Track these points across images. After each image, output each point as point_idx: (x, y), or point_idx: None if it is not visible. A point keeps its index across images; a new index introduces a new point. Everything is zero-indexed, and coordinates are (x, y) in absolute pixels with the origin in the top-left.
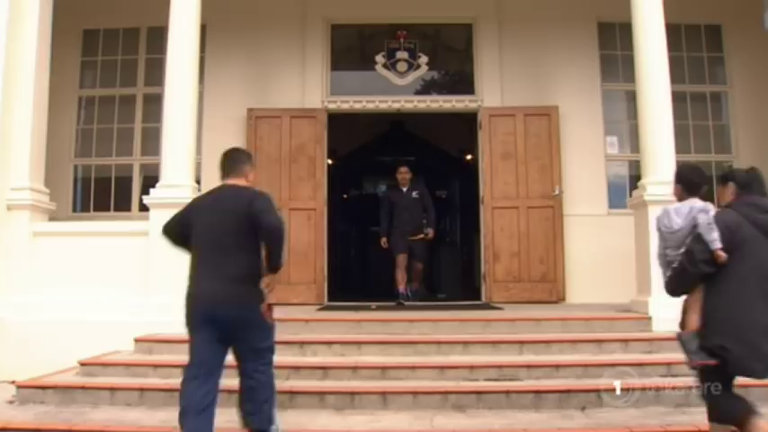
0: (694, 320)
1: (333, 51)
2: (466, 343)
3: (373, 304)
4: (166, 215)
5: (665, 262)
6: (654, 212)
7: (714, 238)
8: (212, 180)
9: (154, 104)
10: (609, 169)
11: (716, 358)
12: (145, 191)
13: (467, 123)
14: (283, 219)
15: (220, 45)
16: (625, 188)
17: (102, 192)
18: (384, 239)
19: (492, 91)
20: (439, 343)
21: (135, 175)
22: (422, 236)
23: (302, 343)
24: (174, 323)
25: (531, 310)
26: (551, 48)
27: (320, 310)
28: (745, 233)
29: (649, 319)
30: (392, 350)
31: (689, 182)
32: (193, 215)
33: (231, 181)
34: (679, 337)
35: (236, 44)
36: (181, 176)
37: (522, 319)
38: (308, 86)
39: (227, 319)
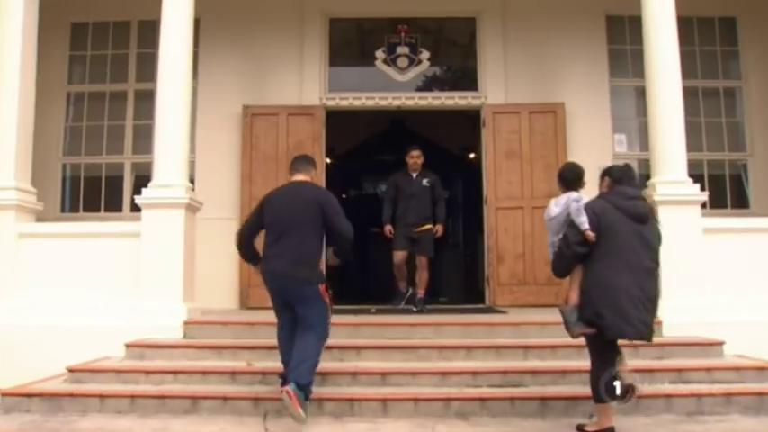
0: (574, 296)
1: (331, 46)
2: (469, 348)
3: (373, 308)
4: (159, 216)
5: (552, 250)
6: (665, 213)
7: (583, 221)
8: (207, 179)
9: (145, 101)
10: None
11: (594, 326)
12: (136, 191)
13: (470, 121)
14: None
15: (215, 40)
16: None
17: (92, 192)
18: (389, 227)
19: (496, 87)
20: (441, 348)
21: (126, 174)
22: (428, 226)
23: None
24: (167, 328)
25: (537, 313)
26: (557, 43)
27: None
28: (611, 217)
29: (660, 323)
30: (392, 355)
31: (565, 179)
32: (267, 206)
33: (300, 177)
34: (561, 311)
35: (231, 39)
36: (174, 176)
37: (527, 323)
38: (305, 83)
39: (291, 294)
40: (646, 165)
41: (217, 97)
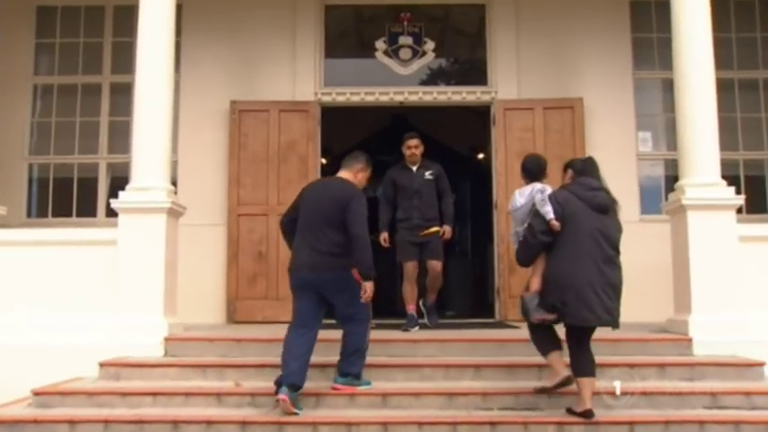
0: (536, 282)
1: (327, 36)
2: (478, 367)
3: (373, 322)
4: (137, 222)
5: (517, 239)
6: (694, 219)
7: (548, 211)
8: (191, 182)
9: (122, 95)
10: (641, 169)
11: (555, 312)
12: (112, 194)
13: (479, 118)
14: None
15: (199, 28)
16: (660, 191)
17: (63, 195)
18: (384, 236)
19: (507, 81)
20: (447, 366)
21: (101, 175)
22: (435, 229)
23: None
24: (146, 345)
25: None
26: (575, 31)
27: None
28: (574, 207)
29: (690, 340)
30: (394, 374)
31: (528, 171)
32: (301, 197)
33: (342, 173)
34: (522, 298)
35: (218, 28)
36: (154, 178)
37: None
38: (299, 76)
39: (317, 284)
40: (673, 165)
41: (201, 92)
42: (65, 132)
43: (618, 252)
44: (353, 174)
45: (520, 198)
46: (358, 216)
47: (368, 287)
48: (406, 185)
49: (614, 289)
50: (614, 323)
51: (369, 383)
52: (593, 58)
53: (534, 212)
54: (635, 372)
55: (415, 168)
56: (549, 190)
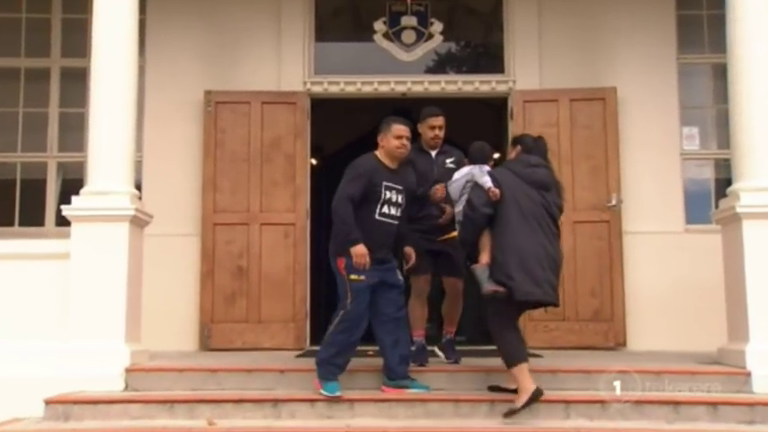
0: (486, 256)
1: (318, 16)
2: (493, 402)
3: (370, 349)
4: (95, 232)
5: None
6: (751, 229)
7: (486, 180)
8: (158, 186)
9: (75, 82)
10: (686, 171)
11: (504, 287)
12: (64, 199)
13: (494, 111)
14: (343, 193)
15: (168, 6)
16: (709, 196)
17: (3, 199)
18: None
19: (528, 69)
20: (457, 401)
21: (50, 177)
22: (454, 234)
23: (276, 401)
24: (104, 377)
25: (581, 358)
26: (608, 9)
27: (300, 356)
28: (510, 183)
29: (747, 374)
30: (395, 410)
31: (472, 156)
32: None
33: None
34: (473, 269)
35: (190, 4)
36: (115, 180)
37: (568, 370)
38: (285, 63)
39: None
40: (726, 167)
41: (171, 80)
42: (5, 125)
43: (558, 229)
44: (379, 144)
45: (457, 174)
46: (343, 181)
47: (354, 253)
48: (425, 171)
49: (557, 264)
50: (557, 300)
51: (333, 390)
52: (630, 41)
53: (473, 187)
54: (681, 411)
55: (434, 153)
56: (486, 168)
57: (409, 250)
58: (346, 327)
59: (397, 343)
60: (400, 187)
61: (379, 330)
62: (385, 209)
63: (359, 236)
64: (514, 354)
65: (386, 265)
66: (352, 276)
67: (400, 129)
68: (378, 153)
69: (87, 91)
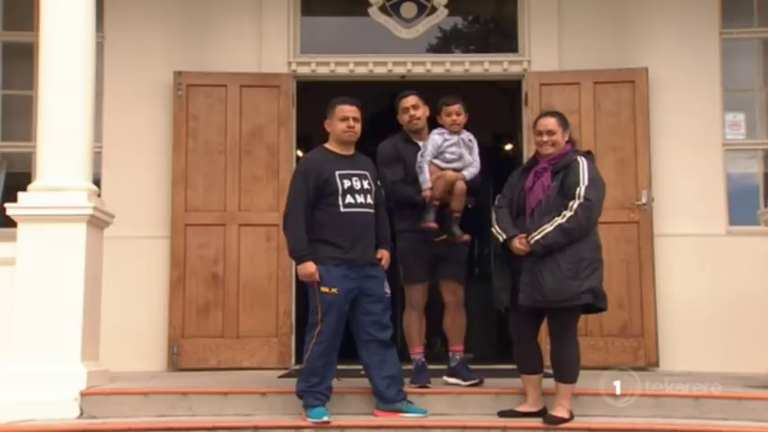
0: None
1: None
2: (505, 428)
3: (361, 368)
4: (46, 234)
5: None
6: None
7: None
8: (121, 181)
9: (21, 60)
10: (730, 164)
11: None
12: (9, 196)
13: (506, 96)
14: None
15: None
16: (757, 194)
17: None
18: (428, 191)
19: (544, 47)
20: (463, 428)
21: None
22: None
23: (256, 429)
24: (55, 402)
25: (604, 378)
26: None
27: (284, 377)
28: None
29: None
30: None
31: None
32: None
33: None
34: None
35: None
36: (69, 174)
37: (591, 392)
38: (266, 40)
39: None
40: None
41: (135, 59)
42: None
43: None
44: (327, 130)
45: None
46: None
47: (300, 273)
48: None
49: None
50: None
51: (320, 415)
52: (664, 13)
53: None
54: None
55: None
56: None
57: (383, 253)
58: (324, 349)
59: (383, 363)
60: (361, 172)
61: (361, 350)
62: (349, 198)
63: (307, 251)
64: (535, 361)
65: (366, 271)
66: (323, 288)
67: (344, 109)
68: (327, 144)
69: (35, 70)
